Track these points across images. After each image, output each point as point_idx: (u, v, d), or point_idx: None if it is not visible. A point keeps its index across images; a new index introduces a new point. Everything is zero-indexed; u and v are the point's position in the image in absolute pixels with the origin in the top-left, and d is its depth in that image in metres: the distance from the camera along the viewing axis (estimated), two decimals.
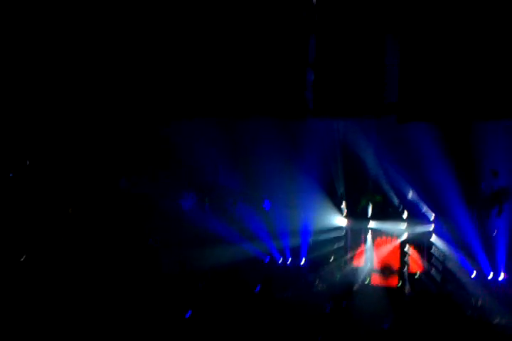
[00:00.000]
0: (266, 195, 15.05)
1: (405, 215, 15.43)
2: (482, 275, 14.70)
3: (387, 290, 15.88)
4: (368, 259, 17.25)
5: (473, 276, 14.96)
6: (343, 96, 7.33)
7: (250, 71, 7.27)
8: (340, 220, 16.91)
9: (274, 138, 12.22)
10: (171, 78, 7.53)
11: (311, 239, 16.72)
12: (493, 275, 14.53)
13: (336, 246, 17.31)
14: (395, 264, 16.90)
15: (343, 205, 16.54)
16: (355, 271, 17.10)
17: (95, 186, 11.81)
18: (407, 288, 15.93)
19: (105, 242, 12.73)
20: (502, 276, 14.38)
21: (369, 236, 17.17)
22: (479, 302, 13.72)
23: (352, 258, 17.36)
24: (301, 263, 17.23)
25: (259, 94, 7.33)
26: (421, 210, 14.67)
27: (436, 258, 15.91)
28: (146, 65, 7.46)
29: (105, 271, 11.52)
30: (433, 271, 15.86)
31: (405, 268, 16.68)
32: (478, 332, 11.14)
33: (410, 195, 13.97)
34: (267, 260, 17.16)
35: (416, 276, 16.40)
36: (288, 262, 17.30)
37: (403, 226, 16.28)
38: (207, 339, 9.99)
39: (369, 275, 17.05)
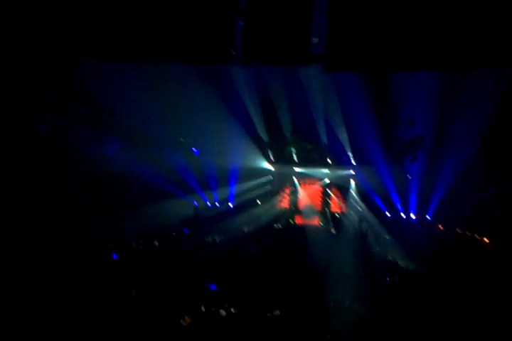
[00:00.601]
0: (194, 141, 14.84)
1: (329, 161, 16.00)
2: (396, 215, 15.92)
3: (312, 229, 16.91)
4: (292, 201, 18.02)
5: (388, 216, 16.20)
6: (272, 43, 7.18)
7: (177, 15, 6.87)
8: (267, 166, 17.27)
9: (202, 86, 11.87)
10: (84, 15, 6.88)
11: (239, 184, 17.00)
12: (406, 215, 15.77)
13: (263, 191, 17.84)
14: (318, 205, 17.84)
15: (270, 152, 16.78)
16: (281, 212, 17.86)
17: (9, 132, 10.93)
18: (332, 227, 16.97)
19: (24, 190, 12.14)
20: (413, 216, 15.65)
21: (295, 180, 17.81)
22: (387, 239, 15.11)
23: (278, 201, 18.04)
24: (230, 206, 17.61)
25: (185, 39, 6.98)
26: (343, 156, 15.23)
27: (355, 200, 16.91)
28: None
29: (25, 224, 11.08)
30: (352, 212, 16.91)
31: (327, 209, 17.68)
32: (380, 265, 12.85)
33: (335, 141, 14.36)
34: (196, 204, 17.33)
35: (337, 216, 17.48)
36: (217, 206, 17.59)
37: (326, 170, 16.99)
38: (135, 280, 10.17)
39: (293, 215, 17.90)
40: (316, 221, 17.65)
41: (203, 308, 10.19)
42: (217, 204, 17.53)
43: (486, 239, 13.80)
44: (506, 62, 6.66)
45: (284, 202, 18.07)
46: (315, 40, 7.52)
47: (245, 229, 16.47)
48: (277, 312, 10.28)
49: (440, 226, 15.16)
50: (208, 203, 17.42)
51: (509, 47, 6.44)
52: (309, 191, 17.82)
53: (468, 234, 14.07)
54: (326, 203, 17.77)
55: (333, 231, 16.71)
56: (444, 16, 6.30)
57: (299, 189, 17.84)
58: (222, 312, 10.09)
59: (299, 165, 17.16)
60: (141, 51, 7.50)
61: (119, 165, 13.60)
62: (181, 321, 8.59)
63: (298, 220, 17.86)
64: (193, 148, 15.07)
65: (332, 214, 17.56)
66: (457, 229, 14.48)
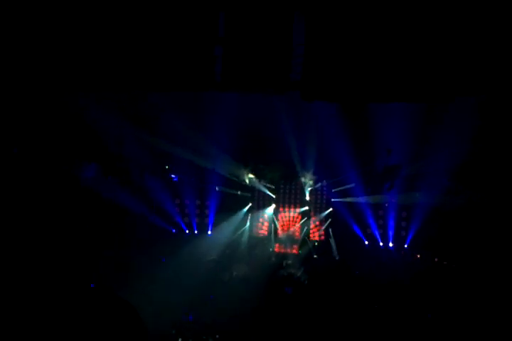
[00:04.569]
0: (173, 166, 14.80)
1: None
2: (374, 243, 15.97)
3: (295, 255, 16.94)
4: (271, 229, 17.92)
5: (366, 244, 16.23)
6: (250, 71, 7.26)
7: (157, 43, 6.94)
8: (246, 192, 17.24)
9: (182, 111, 11.95)
10: (71, 48, 6.93)
11: (218, 212, 16.87)
12: (383, 243, 15.82)
13: (242, 218, 17.73)
14: (297, 233, 17.77)
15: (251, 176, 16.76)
16: (260, 240, 17.73)
17: None
18: (313, 254, 16.98)
19: None
20: (391, 244, 15.70)
21: (273, 207, 17.76)
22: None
23: (257, 229, 17.92)
24: (208, 233, 17.40)
25: (165, 68, 7.05)
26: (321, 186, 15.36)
27: (334, 228, 16.94)
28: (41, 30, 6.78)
29: None
30: (331, 240, 16.92)
31: (307, 237, 17.62)
32: (362, 288, 13.25)
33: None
34: (175, 231, 17.12)
35: (316, 244, 17.43)
36: (195, 233, 17.39)
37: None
38: None
39: (273, 243, 17.77)
40: (294, 249, 17.57)
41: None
42: (195, 230, 17.34)
43: (463, 269, 13.88)
44: (482, 92, 6.87)
45: (262, 230, 17.96)
46: (293, 69, 7.65)
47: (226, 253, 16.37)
48: None
49: (418, 255, 15.24)
50: (187, 231, 17.23)
51: (481, 78, 6.65)
52: (288, 219, 17.79)
53: (445, 263, 14.15)
54: (304, 231, 17.72)
55: (315, 256, 16.83)
56: (422, 50, 6.47)
57: (277, 216, 17.80)
58: None
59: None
60: (125, 82, 7.54)
61: (95, 192, 13.40)
62: None
63: (277, 248, 17.75)
64: (172, 175, 15.02)
65: (311, 241, 17.53)
66: (435, 259, 14.56)
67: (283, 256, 17.00)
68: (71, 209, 12.90)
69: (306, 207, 17.35)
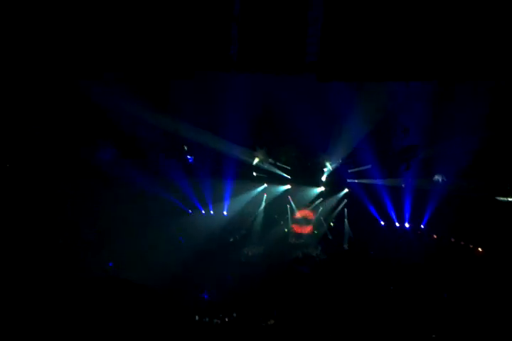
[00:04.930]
0: (189, 148, 14.83)
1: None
2: (390, 223, 15.92)
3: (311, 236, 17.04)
4: (287, 209, 17.96)
5: (382, 224, 16.19)
6: (266, 51, 7.23)
7: (171, 25, 6.91)
8: (261, 173, 17.25)
9: (197, 92, 11.91)
10: (91, 34, 6.93)
11: (233, 192, 16.95)
12: (400, 223, 15.76)
13: (257, 199, 17.78)
14: (312, 214, 17.79)
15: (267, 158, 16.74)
16: (276, 220, 17.78)
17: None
18: (329, 234, 17.07)
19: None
20: (407, 225, 15.63)
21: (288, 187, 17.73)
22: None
23: (272, 209, 17.96)
24: (224, 213, 17.53)
25: (181, 49, 7.03)
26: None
27: (349, 208, 16.90)
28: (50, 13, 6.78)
29: None
30: (345, 221, 16.93)
31: (323, 218, 17.63)
32: (377, 267, 13.21)
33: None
34: (191, 212, 17.28)
35: (331, 224, 17.45)
36: (211, 213, 17.53)
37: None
38: None
39: (289, 223, 17.85)
40: (309, 229, 17.63)
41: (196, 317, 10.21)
42: (211, 211, 17.48)
43: (479, 249, 13.83)
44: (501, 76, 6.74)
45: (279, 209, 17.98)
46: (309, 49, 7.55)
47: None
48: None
49: (434, 235, 15.17)
50: (203, 211, 17.37)
51: (501, 61, 6.50)
52: (303, 199, 17.79)
53: (462, 243, 14.09)
54: (320, 211, 17.71)
55: (331, 237, 16.92)
56: (441, 28, 6.34)
57: (293, 197, 17.80)
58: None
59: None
60: (141, 66, 7.53)
61: (115, 171, 13.55)
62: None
63: (293, 228, 17.82)
64: (188, 156, 15.06)
65: (327, 222, 17.56)
66: (451, 239, 14.50)
67: (299, 237, 17.12)
68: (88, 190, 13.09)
69: (322, 188, 17.29)
